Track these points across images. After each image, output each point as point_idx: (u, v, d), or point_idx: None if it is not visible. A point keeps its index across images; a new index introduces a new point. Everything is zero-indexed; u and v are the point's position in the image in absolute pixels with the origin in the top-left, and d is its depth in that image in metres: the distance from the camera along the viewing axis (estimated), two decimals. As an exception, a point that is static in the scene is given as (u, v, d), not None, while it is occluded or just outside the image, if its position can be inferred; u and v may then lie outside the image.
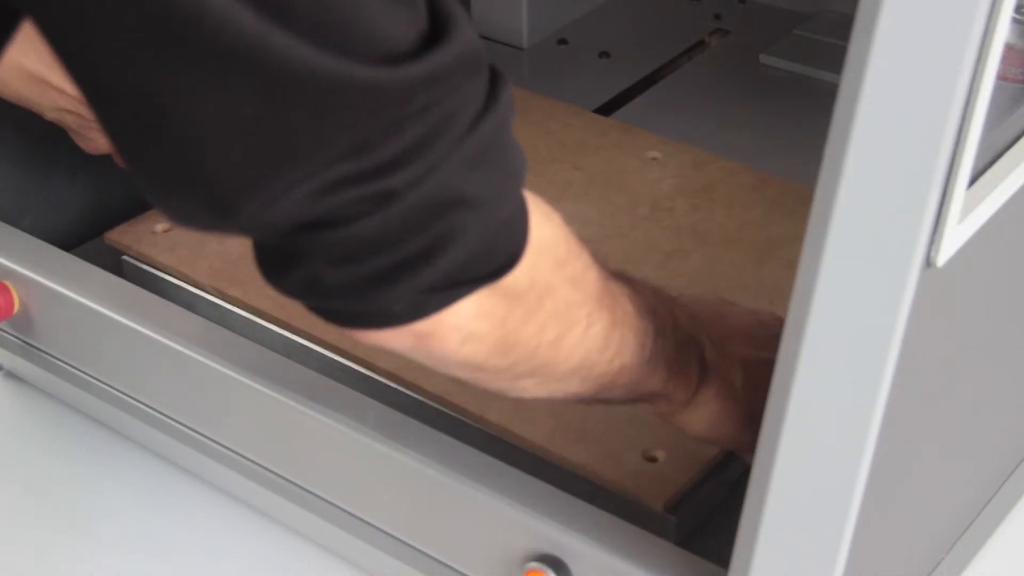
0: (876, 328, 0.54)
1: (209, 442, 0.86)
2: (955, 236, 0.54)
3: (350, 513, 0.80)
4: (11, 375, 0.98)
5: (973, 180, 0.54)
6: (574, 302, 0.61)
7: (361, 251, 0.52)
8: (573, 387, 0.65)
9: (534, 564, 0.71)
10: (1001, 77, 0.52)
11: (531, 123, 1.06)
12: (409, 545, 0.78)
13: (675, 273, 0.91)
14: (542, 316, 0.60)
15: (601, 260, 0.65)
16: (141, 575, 0.85)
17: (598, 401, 0.68)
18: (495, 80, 0.54)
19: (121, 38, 0.46)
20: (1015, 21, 0.55)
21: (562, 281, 0.61)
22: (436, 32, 0.50)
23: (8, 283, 0.90)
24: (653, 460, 0.77)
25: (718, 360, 0.70)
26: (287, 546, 0.85)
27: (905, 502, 0.68)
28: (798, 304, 0.55)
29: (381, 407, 0.78)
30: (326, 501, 0.81)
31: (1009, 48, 0.53)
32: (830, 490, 0.59)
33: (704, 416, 0.70)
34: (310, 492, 0.82)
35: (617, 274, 0.67)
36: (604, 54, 1.23)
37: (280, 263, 0.54)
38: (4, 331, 0.94)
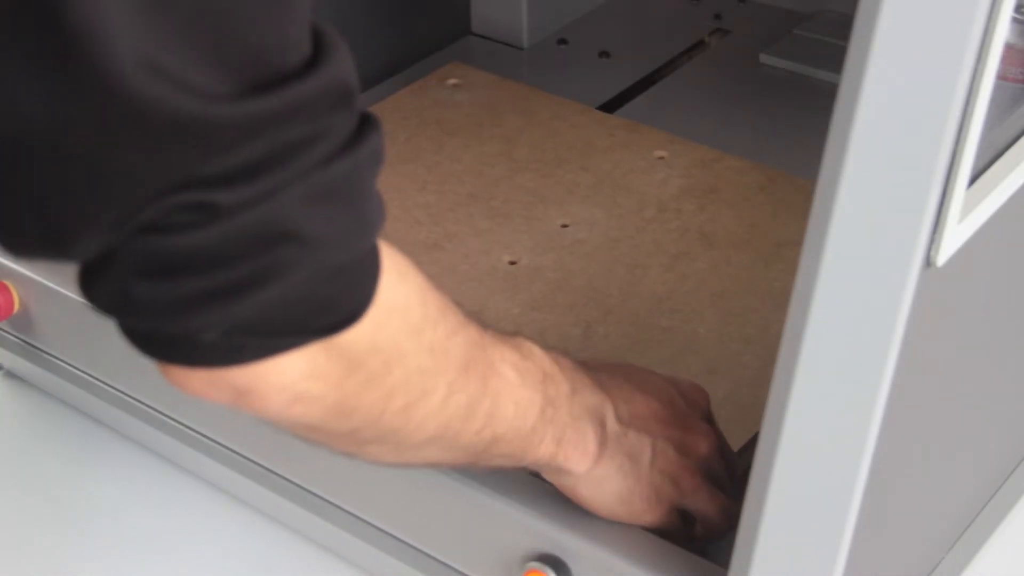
0: (876, 328, 0.54)
1: (209, 442, 0.86)
2: (955, 236, 0.54)
3: (350, 513, 0.80)
4: (11, 375, 0.98)
5: (973, 180, 0.54)
6: (429, 370, 0.57)
7: (175, 266, 0.47)
8: (435, 456, 0.62)
9: (534, 564, 0.71)
10: (1001, 77, 0.52)
11: (538, 123, 1.06)
12: (409, 545, 0.78)
13: (682, 276, 0.91)
14: (389, 382, 0.55)
15: (486, 321, 0.62)
16: (141, 575, 0.85)
17: (477, 468, 0.65)
18: (366, 125, 0.51)
19: None
20: (1015, 21, 0.55)
21: (416, 347, 0.56)
22: (313, 59, 0.47)
23: (8, 283, 0.90)
24: None
25: (623, 435, 0.67)
26: (287, 546, 0.85)
27: (905, 502, 0.68)
28: (798, 304, 0.55)
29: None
30: (326, 501, 0.81)
31: (1009, 48, 0.53)
32: (830, 490, 0.59)
33: (603, 491, 0.68)
34: (310, 492, 0.82)
35: (507, 337, 0.64)
36: (604, 54, 1.23)
37: (91, 270, 0.49)
38: (4, 331, 0.94)
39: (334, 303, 0.51)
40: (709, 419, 0.74)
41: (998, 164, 0.58)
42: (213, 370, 0.51)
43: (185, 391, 0.52)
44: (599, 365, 0.71)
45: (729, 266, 0.92)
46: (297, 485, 0.82)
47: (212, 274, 0.47)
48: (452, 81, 1.11)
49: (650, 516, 0.70)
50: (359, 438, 0.58)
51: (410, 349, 0.56)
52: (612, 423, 0.67)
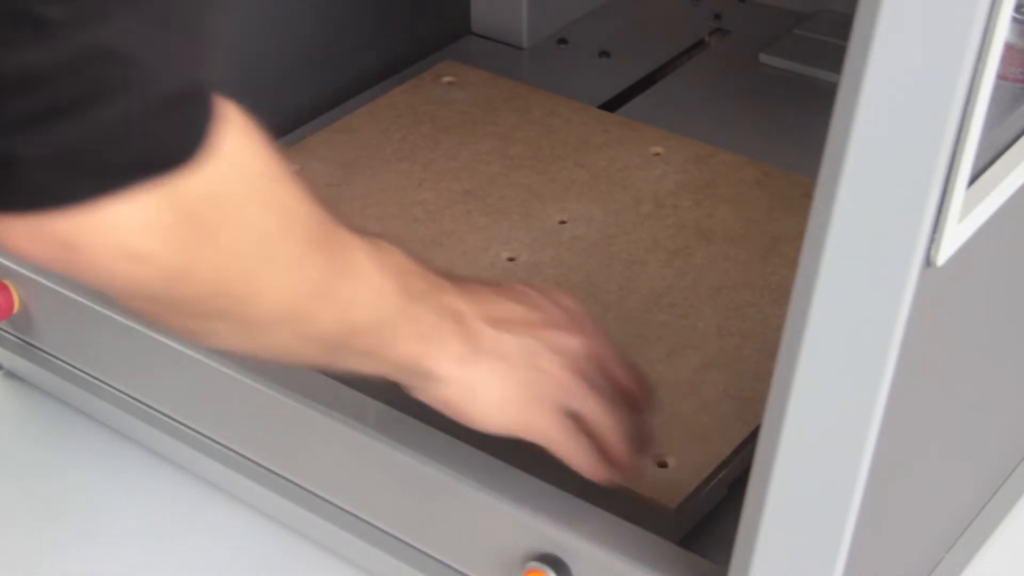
0: (876, 328, 0.54)
1: (209, 442, 0.86)
2: (955, 236, 0.54)
3: (350, 513, 0.80)
4: (11, 375, 0.98)
5: (973, 179, 0.54)
6: (274, 235, 0.54)
7: None
8: (287, 343, 0.58)
9: (534, 564, 0.71)
10: (1001, 77, 0.52)
11: (533, 120, 1.06)
12: (409, 545, 0.78)
13: (680, 271, 0.91)
14: (228, 241, 0.52)
15: (343, 216, 0.59)
16: (140, 574, 0.85)
17: (338, 368, 0.62)
18: None
19: None
20: (1015, 21, 0.55)
21: (259, 207, 0.53)
22: None
23: (8, 283, 0.90)
24: (664, 465, 0.77)
25: (493, 336, 0.65)
26: (287, 546, 0.85)
27: (905, 502, 0.68)
28: (798, 304, 0.55)
29: (381, 406, 0.78)
30: (326, 501, 0.81)
31: (1009, 48, 0.53)
32: (830, 490, 0.59)
33: (480, 398, 0.65)
34: (310, 492, 0.82)
35: (363, 231, 0.61)
36: (604, 54, 1.23)
37: None
38: (4, 331, 0.94)
39: (164, 140, 0.49)
40: (587, 328, 0.72)
41: (998, 164, 0.58)
42: (36, 217, 0.47)
43: (9, 248, 0.49)
44: (461, 276, 0.69)
45: (727, 261, 0.92)
46: (297, 485, 0.82)
47: (35, 92, 0.45)
48: (446, 79, 1.11)
49: (537, 422, 0.67)
50: (200, 310, 0.54)
51: (253, 208, 0.53)
52: (479, 324, 0.65)
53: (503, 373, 0.65)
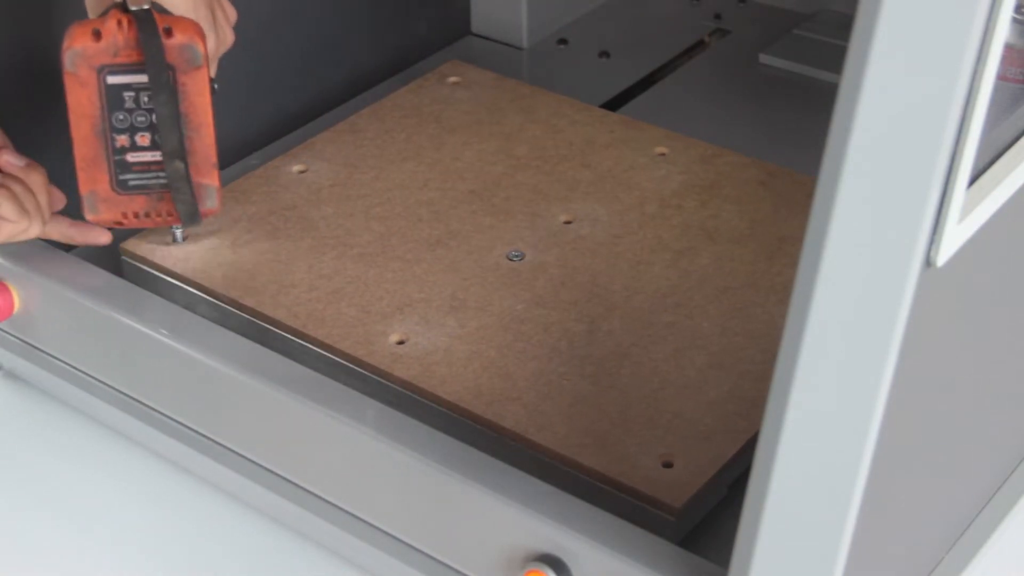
0: (876, 328, 0.54)
1: (209, 442, 0.86)
2: (955, 236, 0.54)
3: (350, 513, 0.80)
4: (11, 375, 0.98)
5: (973, 180, 0.54)
6: None
7: None
8: None
9: (534, 564, 0.71)
10: (1001, 77, 0.52)
11: (537, 120, 1.06)
12: (409, 545, 0.78)
13: (685, 272, 0.91)
14: None
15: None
16: (140, 574, 0.85)
17: None
18: None
19: None
20: (1015, 21, 0.55)
21: None
22: None
23: (8, 283, 0.90)
24: (670, 465, 0.77)
25: None
26: (287, 546, 0.85)
27: (905, 502, 0.68)
28: (798, 304, 0.55)
29: (380, 406, 0.78)
30: (326, 501, 0.81)
31: (1009, 48, 0.53)
32: (830, 490, 0.59)
33: None
34: (310, 492, 0.82)
35: None
36: (604, 54, 1.23)
37: None
38: (4, 331, 0.94)
39: None
40: None
41: (998, 164, 0.58)
42: None
43: None
44: None
45: (732, 261, 0.92)
46: (297, 485, 0.82)
47: None
48: (451, 79, 1.11)
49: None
50: None
51: None
52: None
53: None
